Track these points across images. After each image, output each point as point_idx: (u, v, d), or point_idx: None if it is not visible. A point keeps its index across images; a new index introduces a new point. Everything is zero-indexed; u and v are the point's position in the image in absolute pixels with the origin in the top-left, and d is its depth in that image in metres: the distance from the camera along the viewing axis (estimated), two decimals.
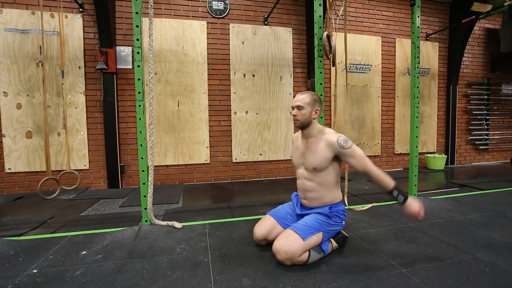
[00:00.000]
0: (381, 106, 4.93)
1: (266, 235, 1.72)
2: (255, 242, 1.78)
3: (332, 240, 1.70)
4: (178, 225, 2.15)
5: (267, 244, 1.73)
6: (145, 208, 2.16)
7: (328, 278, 1.41)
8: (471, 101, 5.48)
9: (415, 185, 2.78)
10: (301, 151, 1.74)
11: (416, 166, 2.76)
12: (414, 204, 1.49)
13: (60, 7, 3.25)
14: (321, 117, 2.43)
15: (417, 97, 2.73)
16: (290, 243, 1.48)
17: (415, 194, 2.78)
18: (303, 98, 1.66)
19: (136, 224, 2.27)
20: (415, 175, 2.77)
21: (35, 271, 1.52)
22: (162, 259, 1.64)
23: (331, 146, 1.59)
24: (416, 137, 2.75)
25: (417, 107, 2.73)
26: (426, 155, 5.08)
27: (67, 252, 1.75)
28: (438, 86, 5.28)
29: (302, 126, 1.68)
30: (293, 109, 1.68)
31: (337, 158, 1.62)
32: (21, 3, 3.46)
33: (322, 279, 1.40)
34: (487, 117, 5.58)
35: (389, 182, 1.52)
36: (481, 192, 3.15)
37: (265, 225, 1.75)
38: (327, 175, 1.64)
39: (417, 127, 2.75)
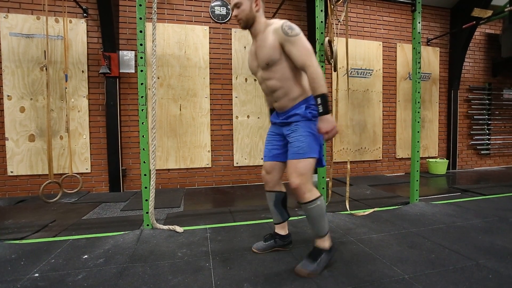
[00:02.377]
0: (383, 111, 4.94)
1: (274, 178, 1.70)
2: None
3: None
4: (179, 229, 2.15)
5: (275, 184, 1.73)
6: (147, 212, 2.17)
7: (330, 284, 1.40)
8: (472, 106, 5.48)
9: (416, 190, 2.77)
10: (253, 53, 1.60)
11: (417, 171, 2.76)
12: (325, 123, 1.41)
13: (64, 12, 3.31)
14: None
15: (418, 102, 2.74)
16: (300, 166, 1.45)
17: (416, 199, 2.78)
18: None
19: (138, 228, 2.27)
20: (417, 180, 2.77)
21: (36, 275, 1.52)
22: (163, 264, 1.64)
23: (276, 32, 1.45)
24: (418, 142, 2.75)
25: (419, 112, 2.74)
26: (427, 160, 5.07)
27: (68, 256, 1.75)
28: (439, 91, 5.29)
29: (247, 24, 1.55)
30: (232, 10, 1.54)
31: None
32: (27, 8, 3.51)
33: (324, 284, 1.40)
34: (489, 122, 5.58)
35: (321, 87, 1.40)
36: (483, 197, 3.13)
37: (267, 170, 1.72)
38: (284, 68, 1.50)
39: (418, 132, 2.75)
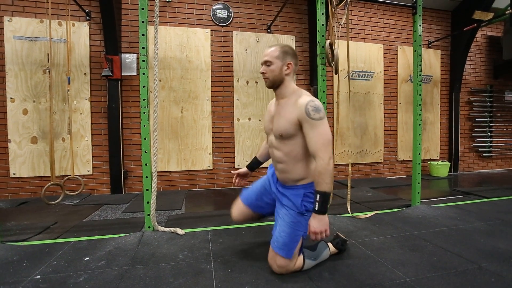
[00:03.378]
0: (384, 113, 4.94)
1: (243, 220, 1.77)
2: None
3: (330, 244, 1.69)
4: (180, 231, 2.16)
5: (244, 221, 1.82)
6: (148, 214, 2.17)
7: (331, 287, 1.40)
8: (474, 108, 5.47)
9: (418, 192, 2.77)
10: (271, 115, 1.54)
11: (419, 173, 2.75)
12: (318, 222, 1.32)
13: (67, 15, 3.34)
14: None
15: (420, 105, 2.74)
16: (279, 263, 1.46)
17: (418, 202, 2.77)
18: (271, 51, 1.44)
19: (139, 230, 2.27)
20: (418, 183, 2.76)
21: (38, 276, 1.53)
22: (164, 266, 1.64)
23: (299, 108, 1.36)
24: (419, 144, 2.75)
25: (420, 114, 2.74)
26: (429, 162, 5.05)
27: (70, 258, 1.76)
28: (440, 93, 5.28)
29: (273, 85, 1.48)
30: (261, 66, 1.47)
31: None
32: (30, 11, 3.55)
33: (326, 287, 1.39)
34: (491, 124, 5.56)
35: (325, 185, 1.31)
36: (485, 200, 3.12)
37: (238, 212, 1.75)
38: (295, 145, 1.42)
39: (420, 134, 2.75)
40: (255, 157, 1.90)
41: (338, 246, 1.70)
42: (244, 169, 1.91)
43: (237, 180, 1.92)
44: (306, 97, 1.39)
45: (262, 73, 1.47)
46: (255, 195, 1.73)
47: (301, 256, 1.53)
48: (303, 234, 1.49)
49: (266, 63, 1.45)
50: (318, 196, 1.32)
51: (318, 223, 1.32)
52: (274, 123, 1.50)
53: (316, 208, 1.32)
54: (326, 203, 1.33)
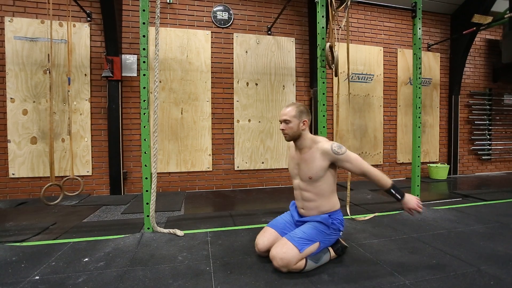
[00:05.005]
0: (383, 116, 4.95)
1: (269, 247, 1.68)
2: (257, 253, 1.76)
3: (330, 249, 1.70)
4: (180, 233, 2.15)
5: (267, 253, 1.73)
6: (148, 216, 2.17)
7: None
8: (473, 111, 5.48)
9: (417, 195, 2.77)
10: (296, 162, 1.74)
11: (418, 176, 2.76)
12: (411, 201, 1.60)
13: (68, 16, 3.35)
14: (324, 126, 2.46)
15: (419, 107, 2.75)
16: (286, 251, 1.50)
17: None
18: (289, 111, 1.66)
19: (138, 231, 2.27)
20: (418, 185, 2.77)
21: (37, 277, 1.52)
22: (164, 267, 1.64)
23: (326, 154, 1.61)
24: (418, 147, 2.76)
25: (419, 117, 2.75)
26: (428, 165, 5.06)
27: (69, 258, 1.75)
28: (440, 96, 5.30)
29: (293, 139, 1.70)
30: (281, 123, 1.69)
31: (333, 165, 1.64)
32: (31, 12, 3.56)
33: None
34: (490, 127, 5.58)
35: (387, 181, 1.59)
36: (485, 203, 3.12)
37: (268, 237, 1.73)
38: (323, 184, 1.65)
39: (419, 137, 2.76)
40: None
41: (339, 252, 1.73)
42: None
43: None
44: (325, 143, 1.65)
45: (282, 129, 1.69)
46: (281, 220, 1.83)
47: (304, 259, 1.55)
48: (320, 244, 1.60)
49: (286, 121, 1.66)
50: (392, 191, 1.59)
51: (410, 202, 1.60)
52: (300, 170, 1.70)
53: (399, 197, 1.60)
54: (398, 189, 1.61)
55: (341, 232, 1.73)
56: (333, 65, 2.46)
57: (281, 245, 1.54)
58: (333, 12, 2.46)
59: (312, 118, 4.64)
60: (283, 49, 4.42)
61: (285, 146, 4.44)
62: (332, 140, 1.76)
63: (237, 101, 4.25)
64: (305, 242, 1.55)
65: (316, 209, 1.68)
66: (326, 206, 1.68)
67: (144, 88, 2.15)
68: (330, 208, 1.69)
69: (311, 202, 1.69)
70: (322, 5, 2.45)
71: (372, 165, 1.66)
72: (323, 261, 1.63)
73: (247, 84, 4.29)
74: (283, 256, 1.49)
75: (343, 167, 1.63)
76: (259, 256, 1.77)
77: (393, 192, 1.59)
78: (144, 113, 2.15)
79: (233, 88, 4.24)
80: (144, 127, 2.15)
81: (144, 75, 2.14)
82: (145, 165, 2.16)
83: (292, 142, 1.80)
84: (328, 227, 1.64)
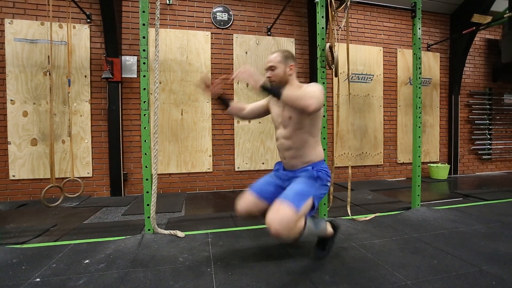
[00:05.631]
0: (383, 116, 4.95)
1: (249, 212, 1.67)
2: (238, 217, 1.75)
3: (328, 223, 1.71)
4: (180, 234, 2.15)
5: (249, 218, 1.72)
6: (148, 217, 2.17)
7: None
8: (473, 111, 5.48)
9: (418, 195, 2.77)
10: (281, 109, 1.67)
11: (419, 176, 2.76)
12: (253, 70, 1.48)
13: (68, 18, 3.36)
14: (324, 127, 2.45)
15: (419, 107, 2.75)
16: (283, 212, 1.37)
17: (418, 205, 2.77)
18: (274, 57, 1.61)
19: (139, 232, 2.27)
20: (418, 185, 2.76)
21: (38, 279, 1.52)
22: (165, 269, 1.63)
23: (302, 88, 1.56)
24: (419, 147, 2.75)
25: (419, 117, 2.75)
26: (429, 164, 5.06)
27: (70, 260, 1.75)
28: (440, 96, 5.30)
29: (279, 86, 1.61)
30: (266, 72, 1.63)
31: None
32: (31, 14, 3.56)
33: None
34: (490, 127, 5.58)
35: (290, 93, 1.43)
36: (486, 202, 3.12)
37: (247, 202, 1.68)
38: (304, 132, 1.58)
39: (419, 137, 2.76)
40: (230, 101, 1.88)
41: (334, 223, 1.78)
42: (219, 90, 1.80)
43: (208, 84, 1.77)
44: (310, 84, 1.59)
45: (269, 77, 1.61)
46: (262, 183, 1.75)
47: (303, 218, 1.47)
48: (313, 199, 1.52)
49: (271, 68, 1.61)
50: (279, 88, 1.46)
51: (253, 72, 1.46)
52: (284, 116, 1.64)
53: (265, 84, 1.46)
54: (270, 90, 1.46)
55: (329, 183, 1.65)
56: (333, 65, 2.46)
57: (276, 209, 1.40)
58: (333, 13, 2.46)
59: None
60: None
61: None
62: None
63: (237, 101, 4.24)
64: (299, 198, 1.45)
65: (299, 158, 1.61)
66: (309, 155, 1.61)
67: (144, 89, 2.15)
68: (314, 158, 1.62)
69: (293, 151, 1.62)
70: (322, 6, 2.45)
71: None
72: (321, 229, 1.58)
73: (247, 85, 4.27)
74: (282, 217, 1.35)
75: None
76: (260, 256, 1.76)
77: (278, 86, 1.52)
78: (144, 114, 2.15)
79: (233, 89, 4.24)
80: (145, 128, 2.15)
81: (144, 76, 2.14)
82: (146, 166, 2.16)
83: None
84: (315, 180, 1.56)
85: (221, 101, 1.82)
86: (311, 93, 1.44)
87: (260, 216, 1.71)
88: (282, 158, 1.71)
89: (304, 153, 1.61)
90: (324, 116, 2.45)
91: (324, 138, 2.45)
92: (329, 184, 1.65)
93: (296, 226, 1.39)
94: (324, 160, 1.70)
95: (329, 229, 1.69)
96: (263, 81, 1.45)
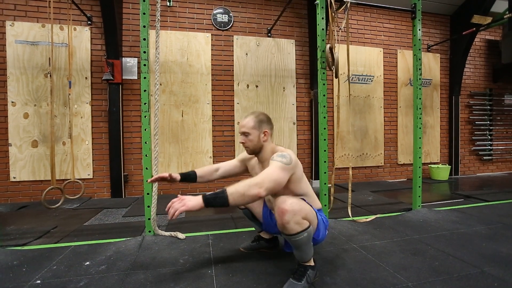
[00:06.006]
0: (384, 117, 4.95)
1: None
2: None
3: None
4: (181, 235, 2.15)
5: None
6: (149, 219, 2.17)
7: None
8: (473, 112, 5.48)
9: (419, 196, 2.76)
10: (260, 168, 1.62)
11: (419, 177, 2.75)
12: (189, 198, 1.21)
13: (69, 20, 3.37)
14: (324, 128, 2.45)
15: (420, 108, 2.74)
16: (293, 200, 1.35)
17: (419, 206, 2.77)
18: (247, 122, 1.53)
19: (140, 234, 2.26)
20: (419, 186, 2.76)
21: (38, 281, 1.52)
22: (165, 271, 1.63)
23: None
24: (419, 148, 2.75)
25: (420, 118, 2.74)
26: (429, 165, 5.05)
27: (70, 262, 1.75)
28: (440, 97, 5.30)
29: (254, 151, 1.57)
30: (240, 135, 1.56)
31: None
32: (32, 16, 3.57)
33: None
34: (491, 128, 5.57)
35: (236, 191, 1.23)
36: (487, 203, 3.11)
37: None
38: (290, 192, 1.46)
39: (420, 137, 2.75)
40: (194, 171, 1.74)
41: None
42: (176, 175, 1.66)
43: (156, 178, 1.61)
44: (278, 152, 1.46)
45: (242, 142, 1.56)
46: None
47: (309, 216, 1.41)
48: (317, 217, 1.49)
49: (244, 133, 1.54)
50: (222, 191, 1.23)
51: (189, 200, 1.20)
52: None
53: (208, 195, 1.22)
54: (215, 203, 1.22)
55: (327, 231, 1.59)
56: (333, 66, 2.47)
57: (284, 199, 1.35)
58: (333, 14, 2.47)
59: (312, 120, 4.63)
60: (283, 51, 4.43)
61: (285, 146, 4.42)
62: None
63: (238, 103, 4.25)
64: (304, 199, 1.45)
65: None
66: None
67: (144, 91, 2.15)
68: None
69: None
70: (322, 7, 2.45)
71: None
72: (311, 249, 1.45)
73: (248, 86, 4.29)
74: (292, 201, 1.33)
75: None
76: (260, 258, 1.76)
77: (218, 191, 1.25)
78: (145, 116, 2.15)
79: (233, 90, 4.24)
80: (145, 130, 2.15)
81: (144, 78, 2.15)
82: (146, 168, 2.16)
83: (255, 159, 1.67)
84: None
85: (185, 177, 1.68)
86: (264, 175, 1.30)
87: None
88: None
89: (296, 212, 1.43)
90: (324, 117, 2.45)
91: (325, 140, 2.45)
92: (326, 231, 1.60)
93: (301, 211, 1.34)
94: (321, 209, 1.61)
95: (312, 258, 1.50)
96: (201, 199, 1.21)
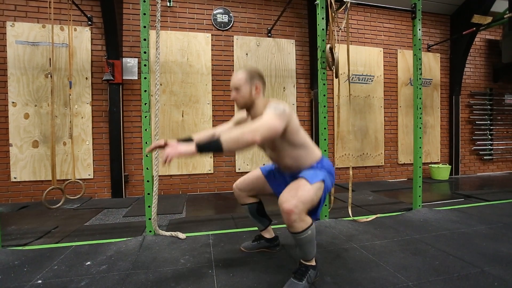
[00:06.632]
0: (384, 117, 4.95)
1: (249, 187, 1.72)
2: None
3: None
4: (182, 235, 2.15)
5: (244, 194, 1.75)
6: (149, 218, 2.17)
7: None
8: (474, 111, 5.48)
9: (419, 196, 2.76)
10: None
11: (420, 176, 2.75)
12: (180, 144, 1.19)
13: (69, 20, 3.38)
14: (325, 128, 2.45)
15: (420, 108, 2.75)
16: (297, 187, 1.37)
17: (419, 205, 2.77)
18: (238, 76, 1.49)
19: (140, 234, 2.27)
20: (419, 186, 2.76)
21: (39, 281, 1.52)
22: (166, 271, 1.63)
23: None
24: (420, 147, 2.75)
25: (420, 117, 2.74)
26: (430, 165, 5.05)
27: (71, 262, 1.75)
28: (440, 97, 5.29)
29: (244, 107, 1.53)
30: (231, 92, 1.52)
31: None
32: (33, 17, 3.58)
33: None
34: (491, 127, 5.57)
35: (230, 138, 1.20)
36: (487, 203, 3.11)
37: (251, 177, 1.74)
38: (289, 148, 1.48)
39: (420, 137, 2.75)
40: (191, 137, 1.63)
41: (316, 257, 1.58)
42: (166, 141, 1.52)
43: (153, 147, 1.53)
44: (273, 104, 1.42)
45: (233, 99, 1.51)
46: (269, 169, 1.74)
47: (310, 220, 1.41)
48: (324, 183, 1.45)
49: (236, 88, 1.50)
50: (214, 139, 1.20)
51: (180, 146, 1.18)
52: None
53: (200, 143, 1.20)
54: (209, 147, 1.20)
55: (333, 175, 1.56)
56: (333, 66, 2.47)
57: (289, 188, 1.39)
58: (333, 14, 2.47)
59: (312, 120, 4.63)
60: (284, 51, 4.43)
61: None
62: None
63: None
64: (314, 175, 1.42)
65: (292, 168, 1.54)
66: (305, 163, 1.52)
67: (145, 91, 2.15)
68: (312, 161, 1.53)
69: (286, 165, 1.56)
70: (322, 7, 2.46)
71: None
72: (315, 246, 1.46)
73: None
74: (295, 193, 1.34)
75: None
76: (261, 258, 1.76)
77: (211, 139, 1.23)
78: (145, 116, 2.15)
79: None
80: (146, 130, 2.15)
81: (145, 78, 2.15)
82: (147, 168, 2.16)
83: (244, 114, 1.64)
84: (320, 169, 1.50)
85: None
86: (259, 122, 1.28)
87: (255, 195, 1.76)
88: (278, 167, 1.66)
89: (299, 165, 1.52)
90: (325, 117, 2.46)
91: (325, 139, 2.45)
92: (333, 174, 1.57)
93: (306, 205, 1.35)
94: (323, 157, 1.60)
95: (314, 258, 1.50)
96: (193, 145, 1.19)
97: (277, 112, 1.33)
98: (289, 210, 1.30)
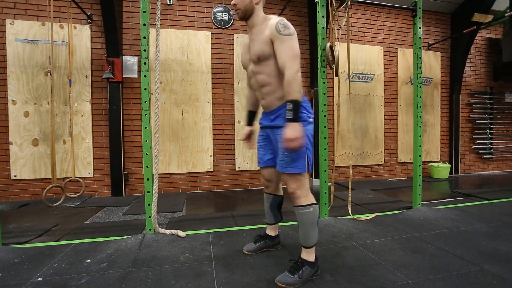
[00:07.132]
0: (384, 115, 4.94)
1: (269, 178, 1.78)
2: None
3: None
4: (181, 233, 2.15)
5: (270, 184, 1.80)
6: (149, 217, 2.17)
7: None
8: (474, 110, 5.48)
9: (419, 194, 2.77)
10: (247, 46, 1.62)
11: (420, 175, 2.76)
12: (292, 130, 1.31)
13: (69, 18, 3.37)
14: (325, 126, 2.45)
15: (420, 107, 2.74)
16: (295, 183, 1.48)
17: (419, 204, 2.77)
18: None
19: (140, 232, 2.27)
20: (419, 185, 2.76)
21: (40, 279, 1.53)
22: (166, 268, 1.64)
23: (270, 28, 1.42)
24: (420, 146, 2.75)
25: (420, 116, 2.74)
26: (429, 164, 5.05)
27: (71, 260, 1.76)
28: (440, 95, 5.29)
29: (245, 15, 1.53)
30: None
31: None
32: (32, 14, 3.57)
33: None
34: (491, 126, 5.57)
35: (294, 93, 1.33)
36: (487, 202, 3.12)
37: (264, 174, 1.81)
38: (274, 64, 1.47)
39: (420, 136, 2.75)
40: (248, 111, 1.92)
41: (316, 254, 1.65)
42: (246, 130, 1.91)
43: (249, 144, 1.97)
44: (276, 18, 1.45)
45: (234, 5, 1.53)
46: (262, 151, 1.80)
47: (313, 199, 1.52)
48: (307, 151, 1.49)
49: None
50: (290, 105, 1.34)
51: (292, 131, 1.32)
52: (250, 50, 1.57)
53: (290, 117, 1.33)
54: (297, 111, 1.34)
55: (312, 119, 1.55)
56: (333, 65, 2.46)
57: (284, 176, 1.51)
58: (333, 12, 2.46)
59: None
60: None
61: None
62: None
63: (238, 101, 4.25)
64: (298, 158, 1.44)
65: (274, 94, 1.52)
66: (281, 91, 1.49)
67: (145, 89, 2.15)
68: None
69: (267, 87, 1.53)
70: (322, 5, 2.45)
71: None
72: (316, 232, 1.50)
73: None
74: (290, 179, 1.47)
75: (275, 49, 1.42)
76: (261, 256, 1.77)
77: (289, 107, 1.33)
78: (145, 114, 2.15)
79: (233, 89, 4.24)
80: (145, 128, 2.15)
81: (145, 76, 2.15)
82: (147, 166, 2.16)
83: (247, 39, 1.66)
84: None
85: (252, 122, 1.96)
86: (288, 59, 1.37)
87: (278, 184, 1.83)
88: (260, 98, 1.64)
89: (278, 87, 1.50)
90: (325, 116, 2.45)
91: (325, 138, 2.45)
92: (311, 119, 1.54)
93: (306, 184, 1.49)
94: (303, 95, 1.54)
95: (314, 252, 1.51)
96: (297, 125, 1.33)
97: (292, 34, 1.41)
98: (292, 191, 1.48)
